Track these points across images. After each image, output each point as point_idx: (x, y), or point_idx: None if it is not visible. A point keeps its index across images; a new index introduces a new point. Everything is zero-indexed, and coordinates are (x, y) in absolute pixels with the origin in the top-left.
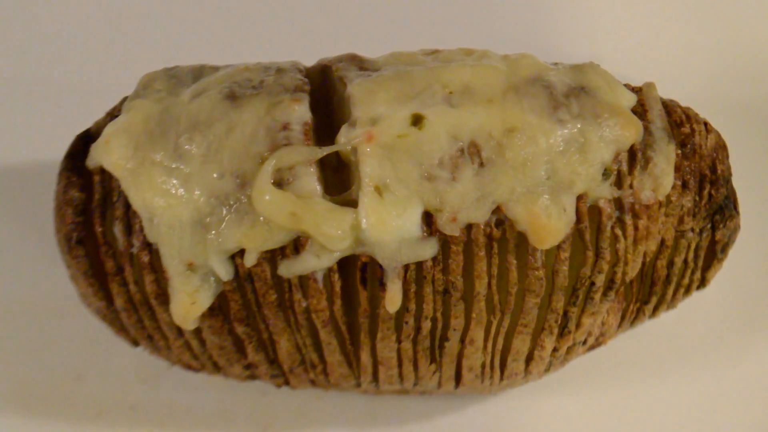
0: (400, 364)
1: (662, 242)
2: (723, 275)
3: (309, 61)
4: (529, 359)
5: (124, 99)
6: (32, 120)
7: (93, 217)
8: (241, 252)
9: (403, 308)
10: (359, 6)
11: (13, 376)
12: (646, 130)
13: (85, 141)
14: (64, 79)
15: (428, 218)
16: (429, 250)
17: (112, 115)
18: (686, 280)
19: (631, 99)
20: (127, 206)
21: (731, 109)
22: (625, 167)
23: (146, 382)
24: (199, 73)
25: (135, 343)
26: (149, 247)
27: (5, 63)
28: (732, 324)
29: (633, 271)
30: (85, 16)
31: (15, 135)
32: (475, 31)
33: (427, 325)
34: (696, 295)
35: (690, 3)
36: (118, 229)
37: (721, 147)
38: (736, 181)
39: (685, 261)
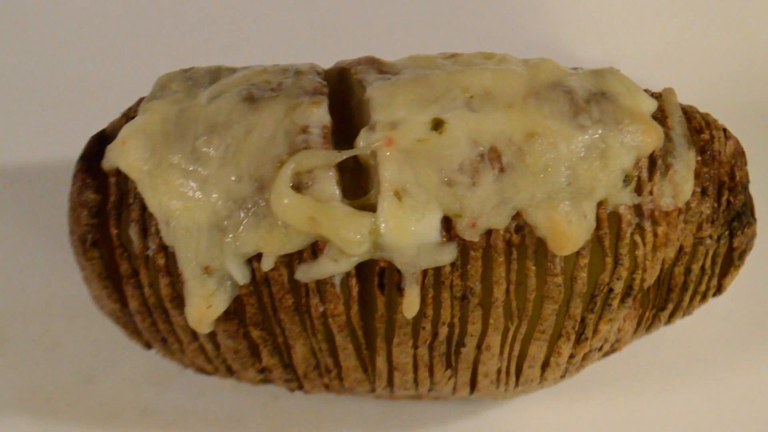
0: (415, 370)
1: (680, 249)
2: (738, 282)
3: (325, 63)
4: (545, 366)
5: (140, 100)
6: (46, 120)
7: (108, 219)
8: (258, 256)
9: (421, 314)
10: (376, 8)
11: (24, 377)
12: (667, 136)
13: (101, 142)
14: (79, 78)
15: (447, 223)
16: (448, 255)
17: (128, 116)
18: (703, 287)
19: (651, 105)
20: (143, 208)
21: (747, 114)
22: (645, 174)
23: (157, 385)
24: (216, 74)
25: (148, 345)
26: (165, 249)
27: (20, 62)
28: (748, 330)
29: (651, 277)
30: (100, 15)
31: (29, 135)
32: (493, 35)
33: (443, 331)
34: (712, 302)
35: (706, 8)
36: (133, 232)
37: (739, 153)
38: (751, 187)
39: (703, 268)
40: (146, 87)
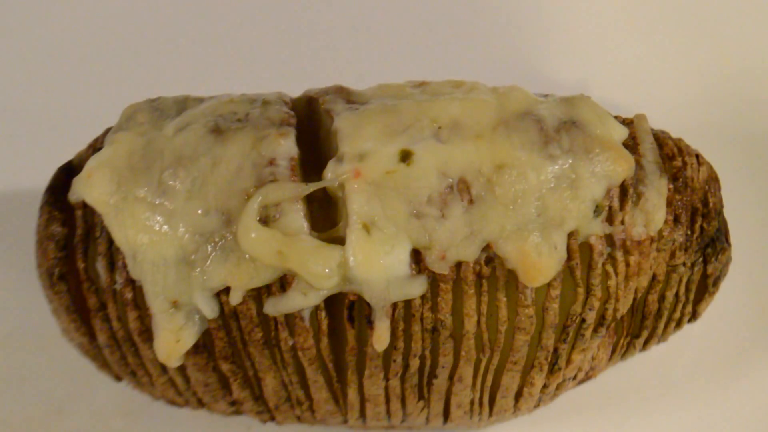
0: (387, 401)
1: (654, 277)
2: (713, 307)
3: (294, 91)
4: (518, 396)
5: (107, 130)
6: (13, 149)
7: (75, 252)
8: (227, 290)
9: (391, 346)
10: (346, 36)
11: None
12: (638, 164)
13: (67, 174)
14: (46, 107)
15: (417, 256)
16: (418, 288)
17: (95, 147)
18: (677, 314)
19: (622, 133)
20: (110, 242)
21: (721, 137)
22: (616, 203)
23: (129, 416)
24: (182, 104)
25: (118, 378)
26: (133, 283)
27: None
28: (723, 356)
29: (624, 307)
30: (67, 44)
31: None
32: (463, 61)
33: (415, 363)
34: (687, 328)
35: (680, 30)
36: (100, 266)
37: (713, 179)
38: (726, 211)
39: (677, 295)
40: (113, 116)
